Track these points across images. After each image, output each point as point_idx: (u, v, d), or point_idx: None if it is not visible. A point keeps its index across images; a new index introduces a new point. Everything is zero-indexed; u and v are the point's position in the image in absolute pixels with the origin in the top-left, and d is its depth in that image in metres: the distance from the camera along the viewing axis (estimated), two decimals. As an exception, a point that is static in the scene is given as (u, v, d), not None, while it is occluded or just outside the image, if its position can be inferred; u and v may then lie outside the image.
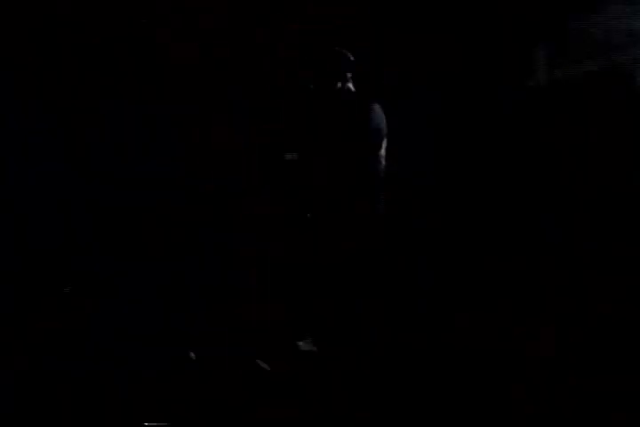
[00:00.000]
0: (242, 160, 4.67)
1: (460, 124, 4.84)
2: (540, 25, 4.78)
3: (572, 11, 4.71)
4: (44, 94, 4.59)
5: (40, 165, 4.55)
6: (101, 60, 4.64)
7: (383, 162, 4.04)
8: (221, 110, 4.71)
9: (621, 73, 4.68)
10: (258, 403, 3.61)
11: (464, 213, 4.78)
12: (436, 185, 4.82)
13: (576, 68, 4.75)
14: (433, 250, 4.71)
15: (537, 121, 4.78)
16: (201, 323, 4.22)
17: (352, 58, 4.06)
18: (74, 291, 4.37)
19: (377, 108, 4.03)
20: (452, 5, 4.85)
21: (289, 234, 4.29)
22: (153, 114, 4.65)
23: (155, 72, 4.70)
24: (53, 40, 4.61)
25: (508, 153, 4.79)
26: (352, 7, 4.78)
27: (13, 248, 4.45)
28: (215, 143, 4.69)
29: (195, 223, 4.61)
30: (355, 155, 3.98)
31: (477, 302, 4.41)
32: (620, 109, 4.68)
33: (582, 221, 4.63)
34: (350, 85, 4.06)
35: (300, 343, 4.08)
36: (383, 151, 4.04)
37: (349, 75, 4.06)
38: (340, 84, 4.03)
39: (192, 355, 4.03)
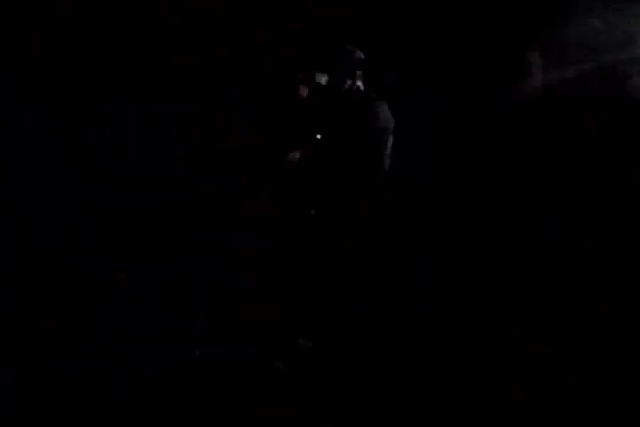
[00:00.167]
0: (242, 160, 4.67)
1: (459, 124, 4.84)
2: (539, 25, 4.78)
3: (571, 11, 4.72)
4: (44, 94, 4.60)
5: (40, 165, 4.55)
6: (101, 60, 4.64)
7: (388, 161, 4.04)
8: (221, 110, 4.71)
9: (618, 73, 4.68)
10: (258, 403, 3.61)
11: (464, 213, 4.79)
12: (435, 185, 4.82)
13: (575, 67, 4.75)
14: (433, 250, 4.71)
15: (536, 121, 4.78)
16: (201, 323, 4.22)
17: (362, 56, 4.07)
18: (74, 290, 4.37)
19: (384, 107, 4.03)
20: (452, 5, 4.85)
21: (289, 234, 4.29)
22: (153, 114, 4.65)
23: (155, 72, 4.70)
24: (53, 40, 4.61)
25: (508, 153, 4.79)
26: (352, 7, 4.78)
27: (13, 248, 4.45)
28: (215, 143, 4.70)
29: (195, 223, 4.62)
30: (358, 154, 3.98)
31: (477, 302, 4.41)
32: (619, 109, 4.68)
33: (582, 222, 4.63)
34: (360, 84, 4.07)
35: (300, 339, 4.09)
36: (389, 151, 4.04)
37: (359, 72, 4.06)
38: (350, 82, 4.04)
39: (196, 351, 4.04)
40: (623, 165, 4.62)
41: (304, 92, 4.40)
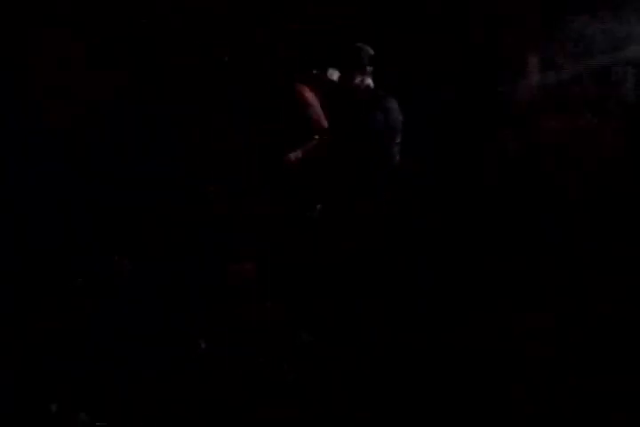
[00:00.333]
0: (242, 160, 4.67)
1: (459, 123, 4.84)
2: (539, 25, 4.78)
3: (569, 12, 4.72)
4: (45, 94, 4.60)
5: (40, 165, 4.55)
6: (101, 60, 4.64)
7: (397, 157, 4.05)
8: (221, 110, 4.71)
9: (614, 73, 4.69)
10: (258, 403, 3.61)
11: (464, 213, 4.79)
12: (436, 185, 4.82)
13: (574, 67, 4.75)
14: (433, 250, 4.71)
15: (535, 121, 4.78)
16: (201, 323, 4.22)
17: (372, 52, 4.08)
18: (74, 290, 4.37)
19: (394, 104, 4.05)
20: (452, 5, 4.85)
21: (289, 234, 4.29)
22: (153, 114, 4.65)
23: (155, 72, 4.70)
24: (53, 40, 4.61)
25: (507, 153, 4.80)
26: (352, 7, 4.78)
27: (13, 248, 4.45)
28: (215, 143, 4.70)
29: (195, 223, 4.62)
30: (365, 153, 3.99)
31: (477, 302, 4.41)
32: (618, 109, 4.68)
33: (582, 221, 4.63)
34: (370, 81, 4.08)
35: (304, 334, 4.09)
36: (397, 148, 4.05)
37: (370, 68, 4.07)
38: (360, 79, 4.04)
39: (202, 344, 4.04)
40: (620, 165, 4.62)
41: (304, 92, 4.40)
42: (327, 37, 4.60)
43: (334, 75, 4.30)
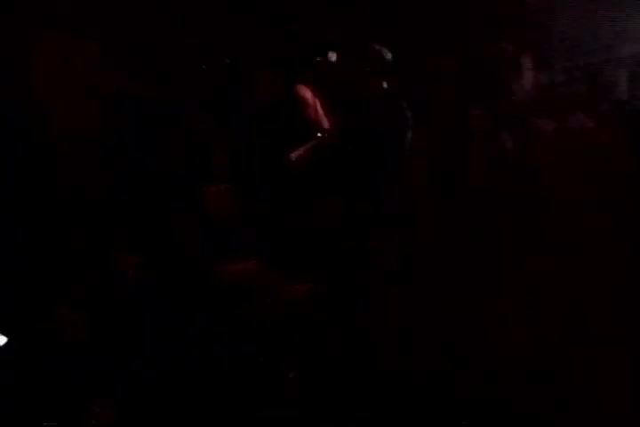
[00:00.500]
0: (242, 160, 4.68)
1: (459, 123, 4.84)
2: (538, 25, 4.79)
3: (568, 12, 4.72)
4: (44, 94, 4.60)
5: (40, 164, 4.55)
6: (101, 60, 4.65)
7: (401, 157, 4.06)
8: (221, 110, 4.72)
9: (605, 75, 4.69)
10: (258, 403, 3.61)
11: (463, 213, 4.79)
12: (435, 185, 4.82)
13: (573, 67, 4.76)
14: (433, 250, 4.71)
15: (534, 121, 4.78)
16: (201, 323, 4.22)
17: (389, 56, 4.10)
18: (74, 290, 4.37)
19: (405, 106, 4.07)
20: (452, 5, 4.86)
21: (289, 233, 4.29)
22: (153, 114, 4.66)
23: (154, 72, 4.71)
24: (53, 40, 4.62)
25: (506, 152, 4.80)
26: (352, 7, 4.79)
27: (13, 248, 4.45)
28: (215, 143, 4.70)
29: (194, 223, 4.62)
30: (376, 153, 4.01)
31: (478, 302, 4.42)
32: (618, 109, 4.69)
33: (582, 221, 4.63)
34: (384, 83, 4.10)
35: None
36: (402, 149, 4.07)
37: (385, 71, 4.09)
38: (376, 81, 4.06)
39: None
40: (615, 165, 4.62)
41: (304, 92, 4.41)
42: (327, 37, 4.60)
43: (333, 57, 4.30)
